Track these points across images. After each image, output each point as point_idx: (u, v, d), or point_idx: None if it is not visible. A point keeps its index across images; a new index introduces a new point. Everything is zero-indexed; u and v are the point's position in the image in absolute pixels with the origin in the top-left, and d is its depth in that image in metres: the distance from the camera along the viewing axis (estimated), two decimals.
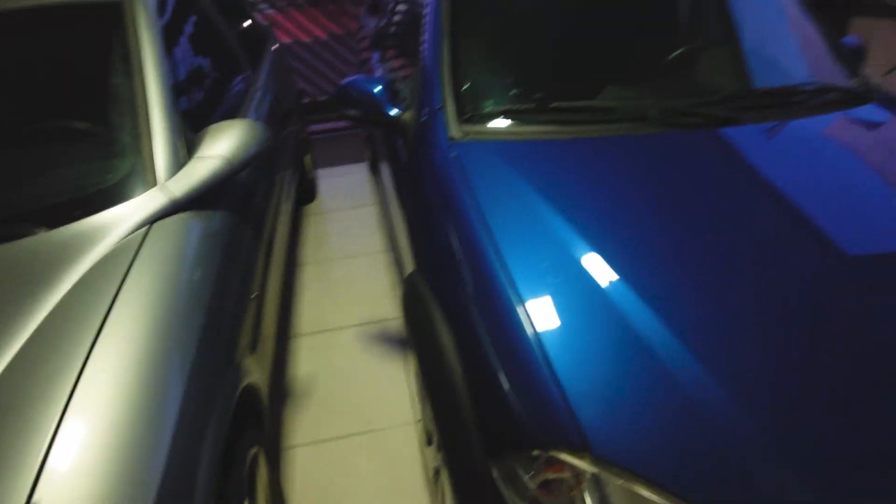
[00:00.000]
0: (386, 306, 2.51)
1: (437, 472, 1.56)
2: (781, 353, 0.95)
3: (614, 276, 1.08)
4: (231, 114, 2.10)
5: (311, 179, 3.54)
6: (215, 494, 1.04)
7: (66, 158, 1.48)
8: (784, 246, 1.15)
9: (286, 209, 2.39)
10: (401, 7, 2.59)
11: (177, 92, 1.64)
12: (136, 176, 1.42)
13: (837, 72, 1.80)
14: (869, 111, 1.63)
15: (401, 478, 1.73)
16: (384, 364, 2.19)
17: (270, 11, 4.47)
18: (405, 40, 2.44)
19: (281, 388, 2.11)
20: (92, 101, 1.56)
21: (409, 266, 1.60)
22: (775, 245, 1.15)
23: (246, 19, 3.08)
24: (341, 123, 4.77)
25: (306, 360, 2.24)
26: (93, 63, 1.62)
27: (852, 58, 1.91)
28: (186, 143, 1.56)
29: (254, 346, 1.47)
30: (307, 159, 3.42)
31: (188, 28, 2.13)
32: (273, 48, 3.27)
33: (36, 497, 0.82)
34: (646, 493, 0.82)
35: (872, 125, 1.57)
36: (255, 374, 1.42)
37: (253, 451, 1.32)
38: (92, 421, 0.92)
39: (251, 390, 1.36)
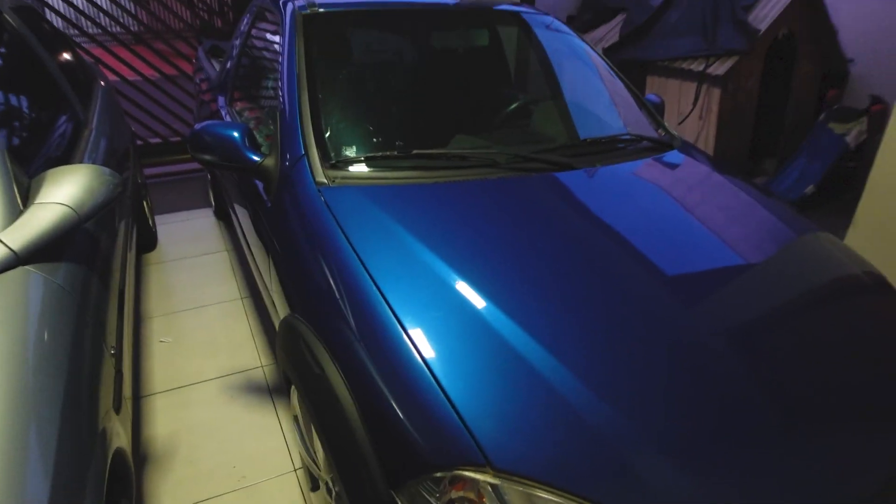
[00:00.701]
0: (247, 355, 2.41)
1: None
2: (648, 354, 1.12)
3: (485, 302, 1.19)
4: (64, 156, 1.92)
5: (152, 225, 3.30)
6: None
7: None
8: (617, 264, 1.36)
9: (131, 259, 2.21)
10: (249, 52, 2.58)
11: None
12: None
13: (646, 124, 2.15)
14: (673, 156, 1.96)
15: None
16: (253, 414, 2.09)
17: (90, 46, 4.13)
18: (255, 85, 2.42)
19: (139, 453, 1.93)
20: None
21: (282, 310, 1.59)
22: (612, 264, 1.36)
23: (69, 52, 2.84)
24: (179, 167, 4.51)
25: (164, 420, 2.07)
26: None
27: (655, 112, 2.28)
28: (21, 189, 1.41)
29: (118, 407, 1.35)
30: (146, 204, 3.19)
31: (8, 62, 1.93)
32: (102, 86, 3.04)
33: None
34: (545, 495, 0.92)
35: (676, 166, 1.90)
36: (122, 437, 1.30)
37: None
38: None
39: (120, 455, 1.25)
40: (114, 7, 4.38)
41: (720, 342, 1.17)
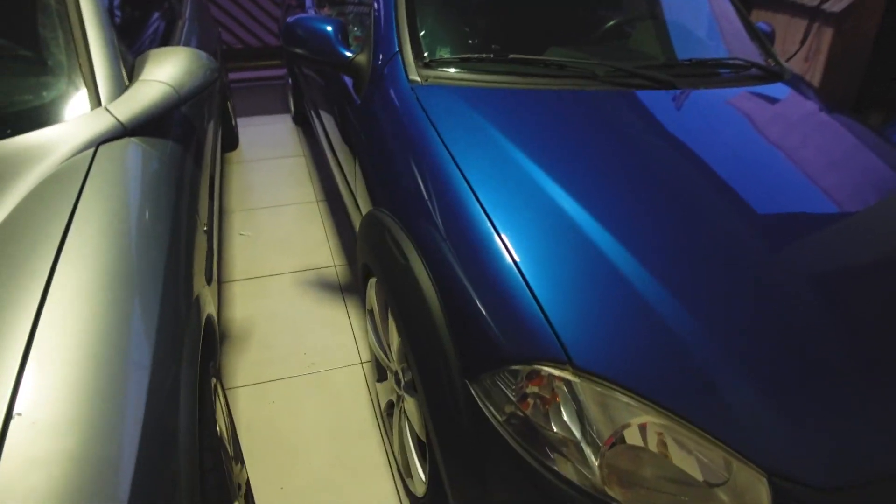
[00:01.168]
0: (321, 254, 2.49)
1: (391, 406, 1.61)
2: (733, 277, 1.08)
3: (576, 208, 1.17)
4: (162, 41, 1.97)
5: (234, 126, 3.38)
6: (196, 424, 1.02)
7: None
8: (710, 186, 1.30)
9: (217, 151, 2.29)
10: None
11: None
12: (74, 95, 1.32)
13: (755, 52, 1.99)
14: (781, 87, 1.83)
15: (348, 416, 1.76)
16: (324, 308, 2.19)
17: None
18: None
19: (220, 332, 2.06)
20: (16, 11, 1.42)
21: (365, 206, 1.61)
22: (704, 185, 1.30)
23: None
24: (260, 73, 4.56)
25: (241, 305, 2.19)
26: None
27: (766, 41, 2.11)
28: (126, 66, 1.46)
29: (209, 279, 1.43)
30: (229, 105, 3.26)
31: None
32: None
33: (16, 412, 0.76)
34: (623, 398, 0.92)
35: (784, 98, 1.77)
36: (211, 305, 1.38)
37: (213, 383, 1.30)
38: (62, 354, 0.84)
39: (210, 321, 1.33)
40: None
41: (809, 283, 1.11)
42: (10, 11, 1.41)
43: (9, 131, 1.20)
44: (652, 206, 1.21)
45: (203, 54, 1.59)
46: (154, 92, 1.40)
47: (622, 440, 0.92)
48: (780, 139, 1.53)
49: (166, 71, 1.47)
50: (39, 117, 1.25)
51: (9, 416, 0.76)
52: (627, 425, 0.92)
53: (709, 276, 1.08)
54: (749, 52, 1.98)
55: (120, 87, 1.38)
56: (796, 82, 1.90)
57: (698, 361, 0.95)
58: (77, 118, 1.26)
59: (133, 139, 1.32)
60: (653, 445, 0.91)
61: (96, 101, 1.32)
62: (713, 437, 0.89)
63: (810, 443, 0.90)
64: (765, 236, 1.19)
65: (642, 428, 0.92)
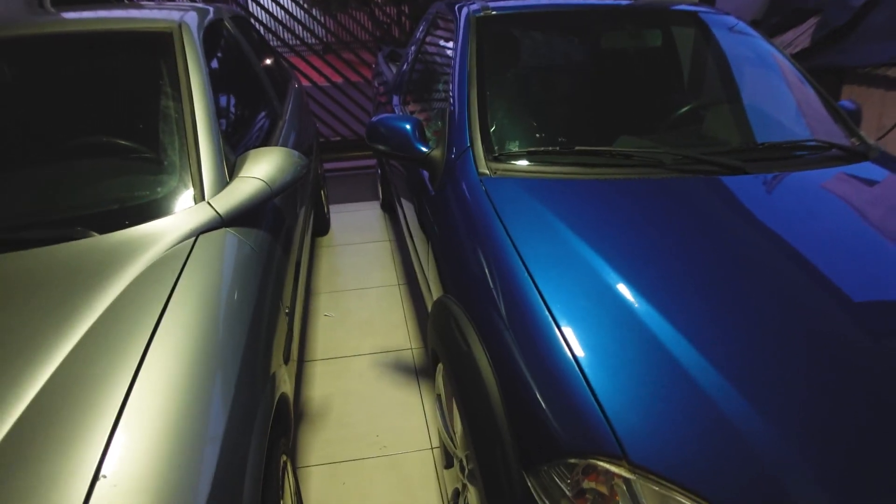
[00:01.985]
0: (400, 337, 2.56)
1: (456, 494, 1.59)
2: (800, 373, 1.02)
3: (638, 299, 1.17)
4: (262, 142, 2.20)
5: (326, 212, 3.63)
6: (259, 494, 1.07)
7: (116, 172, 1.57)
8: (785, 278, 1.24)
9: (307, 238, 2.47)
10: (423, 56, 2.75)
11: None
12: (183, 191, 1.50)
13: (837, 132, 1.94)
14: (866, 168, 1.75)
15: (417, 501, 1.76)
16: (399, 391, 2.23)
17: (286, 53, 4.66)
18: (426, 86, 2.58)
19: (296, 409, 2.14)
20: (142, 119, 1.66)
21: (436, 292, 1.67)
22: (779, 277, 1.25)
23: (271, 56, 3.23)
24: (353, 163, 4.90)
25: (320, 384, 2.28)
26: (144, 85, 1.73)
27: (849, 120, 2.05)
28: (228, 165, 1.65)
29: (286, 359, 1.52)
30: (323, 193, 3.52)
31: (226, 60, 2.25)
32: (295, 87, 3.41)
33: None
34: (682, 499, 0.88)
35: (870, 180, 1.69)
36: (287, 385, 1.46)
37: (283, 459, 1.35)
38: (147, 423, 0.93)
39: (284, 399, 1.40)
40: (308, 19, 4.89)
41: None
42: (134, 118, 1.66)
43: (126, 222, 1.39)
44: (719, 299, 1.18)
45: (295, 153, 1.77)
46: (250, 188, 1.56)
47: None
48: (859, 222, 1.46)
49: (262, 168, 1.64)
50: (153, 210, 1.44)
51: (95, 477, 0.85)
52: None
53: (785, 377, 1.02)
54: (829, 131, 1.92)
55: (221, 184, 1.56)
56: (885, 160, 1.82)
57: (765, 466, 0.90)
58: (183, 211, 1.43)
59: (229, 229, 1.47)
60: None
61: (200, 195, 1.50)
62: None
63: None
64: (849, 333, 1.12)
65: None
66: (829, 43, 3.94)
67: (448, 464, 1.70)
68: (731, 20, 2.28)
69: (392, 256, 3.31)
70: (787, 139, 1.88)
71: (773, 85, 2.10)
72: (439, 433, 1.74)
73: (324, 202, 3.54)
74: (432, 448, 1.96)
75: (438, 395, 1.68)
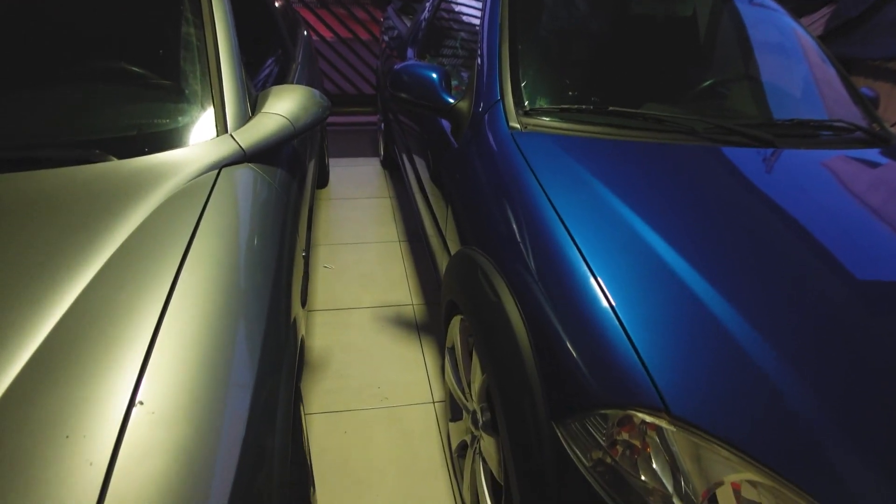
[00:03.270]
0: (401, 292, 2.55)
1: (462, 448, 1.60)
2: (840, 337, 1.03)
3: (674, 255, 1.16)
4: (278, 80, 2.13)
5: (326, 165, 3.56)
6: (289, 432, 1.06)
7: (135, 98, 1.50)
8: (812, 244, 1.26)
9: (314, 186, 2.42)
10: (446, 7, 2.67)
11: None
12: (205, 122, 1.45)
13: (858, 116, 1.94)
14: (890, 151, 1.76)
15: (418, 453, 1.76)
16: (400, 345, 2.22)
17: (297, 5, 4.53)
18: (448, 38, 2.51)
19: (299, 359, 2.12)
20: (163, 46, 1.59)
21: (454, 246, 1.65)
22: (805, 242, 1.26)
23: (282, 0, 3.12)
24: (352, 118, 4.81)
25: (321, 334, 2.26)
26: (165, 11, 1.65)
27: (870, 106, 2.05)
28: (250, 99, 1.59)
29: (304, 302, 1.50)
30: (325, 144, 3.45)
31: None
32: (304, 33, 3.31)
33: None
34: (721, 451, 0.89)
35: (889, 164, 1.70)
36: (303, 328, 1.44)
37: (301, 405, 1.34)
38: (182, 354, 0.89)
39: (302, 343, 1.38)
40: None
41: None
42: (155, 45, 1.58)
43: (146, 150, 1.33)
44: (752, 260, 1.18)
45: (317, 93, 1.71)
46: (273, 124, 1.51)
47: (714, 498, 0.88)
48: (884, 203, 1.47)
49: (285, 105, 1.59)
50: (173, 139, 1.38)
51: (132, 403, 0.82)
52: (721, 482, 0.89)
53: (812, 334, 1.04)
54: (852, 115, 1.93)
55: (244, 118, 1.50)
56: None
57: (803, 420, 0.91)
58: (205, 142, 1.38)
59: (251, 164, 1.43)
60: None
61: (223, 128, 1.44)
62: (816, 502, 0.83)
63: None
64: (871, 299, 1.14)
65: (736, 485, 0.88)
66: (841, 33, 3.94)
67: (455, 416, 1.71)
68: None
69: (393, 213, 3.27)
70: (814, 118, 1.88)
71: (801, 64, 2.09)
72: (448, 386, 1.74)
73: (325, 153, 3.48)
74: (434, 402, 1.96)
75: (451, 348, 1.67)
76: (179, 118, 1.45)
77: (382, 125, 3.81)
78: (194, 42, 1.58)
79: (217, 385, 0.90)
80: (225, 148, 1.38)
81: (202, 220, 1.17)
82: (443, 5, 2.71)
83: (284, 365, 1.12)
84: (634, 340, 1.01)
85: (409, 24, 3.35)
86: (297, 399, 1.24)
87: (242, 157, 1.41)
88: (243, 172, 1.39)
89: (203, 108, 1.47)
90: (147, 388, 0.84)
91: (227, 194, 1.29)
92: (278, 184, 1.52)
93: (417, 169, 2.36)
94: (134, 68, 1.55)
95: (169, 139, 1.39)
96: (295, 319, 1.32)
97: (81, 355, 0.85)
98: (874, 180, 1.58)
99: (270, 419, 0.99)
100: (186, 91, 1.51)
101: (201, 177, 1.30)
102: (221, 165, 1.36)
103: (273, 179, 1.50)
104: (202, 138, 1.40)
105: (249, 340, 1.03)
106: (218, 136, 1.42)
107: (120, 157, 1.31)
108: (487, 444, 1.35)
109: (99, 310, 0.92)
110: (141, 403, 0.82)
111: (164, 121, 1.44)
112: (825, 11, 4.23)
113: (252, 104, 1.60)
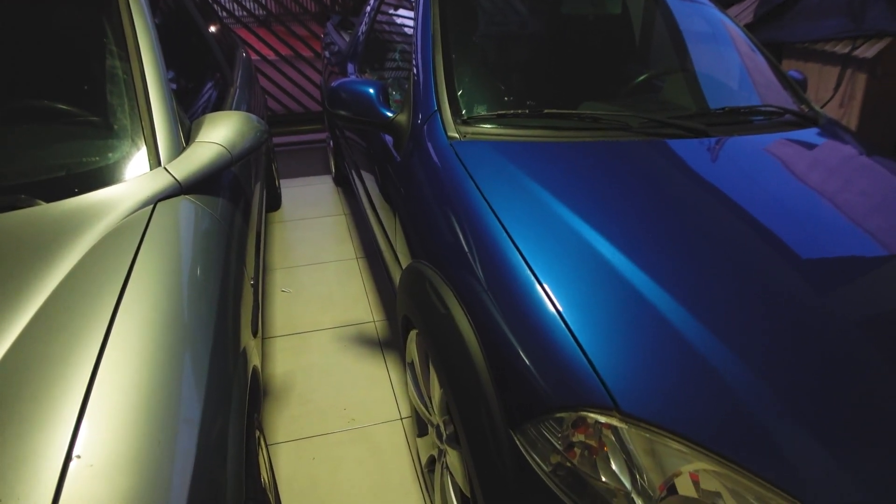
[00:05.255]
0: (361, 310, 2.52)
1: (431, 462, 1.59)
2: (780, 321, 1.06)
3: (621, 256, 1.18)
4: (215, 107, 2.09)
5: (277, 187, 3.52)
6: (242, 473, 1.03)
7: (61, 138, 1.45)
8: (748, 231, 1.29)
9: (263, 211, 2.38)
10: (381, 21, 2.67)
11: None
12: (136, 156, 1.41)
13: (788, 99, 2.01)
14: (816, 132, 1.82)
15: (389, 472, 1.74)
16: (364, 364, 2.19)
17: (236, 26, 4.47)
18: (385, 52, 2.51)
19: (261, 388, 2.08)
20: (86, 81, 1.54)
21: (405, 260, 1.64)
22: (742, 231, 1.29)
23: (216, 22, 3.07)
24: (301, 137, 4.76)
25: (282, 361, 2.22)
26: (86, 45, 1.60)
27: (798, 88, 2.13)
28: (183, 129, 1.56)
29: (255, 331, 1.47)
30: (273, 167, 3.40)
31: (172, 20, 2.12)
32: (243, 55, 3.27)
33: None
34: (672, 444, 0.90)
35: (820, 143, 1.76)
36: (256, 358, 1.41)
37: (257, 434, 1.31)
38: (119, 401, 0.86)
39: (255, 372, 1.35)
40: None
41: (856, 325, 1.08)
42: (79, 80, 1.54)
43: (76, 190, 1.29)
44: (692, 252, 1.21)
45: (254, 117, 1.69)
46: (209, 153, 1.48)
47: (674, 489, 0.89)
48: (818, 183, 1.52)
49: (220, 133, 1.56)
50: (104, 177, 1.34)
51: (68, 457, 0.78)
52: (679, 473, 0.89)
53: (755, 320, 1.06)
54: (782, 99, 1.99)
55: (178, 149, 1.47)
56: (832, 127, 1.90)
57: (748, 405, 0.93)
58: (138, 178, 1.34)
59: (188, 197, 1.39)
60: (706, 494, 0.87)
61: (156, 161, 1.41)
62: (771, 485, 0.85)
63: (871, 490, 0.85)
64: (811, 280, 1.17)
65: (695, 476, 0.89)
66: (770, 19, 4.08)
67: (421, 432, 1.69)
68: None
69: (348, 230, 3.24)
70: (745, 104, 1.93)
71: (731, 53, 2.15)
72: (412, 401, 1.72)
73: (275, 176, 3.43)
74: (402, 418, 1.94)
75: (410, 363, 1.66)
76: (109, 154, 1.41)
77: (331, 142, 3.78)
78: (120, 74, 1.54)
79: (160, 427, 0.87)
80: (159, 182, 1.35)
81: (137, 258, 1.14)
82: (378, 17, 2.71)
83: (234, 399, 1.09)
84: (582, 342, 1.01)
85: (348, 39, 3.34)
86: (251, 432, 1.21)
87: (178, 190, 1.38)
88: (180, 205, 1.35)
89: (133, 142, 1.43)
90: (84, 440, 0.81)
91: (164, 229, 1.26)
92: (219, 213, 1.49)
93: (366, 184, 2.35)
94: (58, 106, 1.50)
95: (99, 177, 1.34)
96: (245, 350, 1.29)
97: (13, 413, 0.82)
98: (804, 159, 1.63)
99: (220, 456, 0.96)
100: (115, 126, 1.46)
101: (135, 213, 1.27)
102: (156, 200, 1.32)
103: (213, 209, 1.47)
104: (134, 174, 1.37)
105: (194, 376, 1.00)
106: (151, 169, 1.39)
107: (48, 201, 1.26)
108: (452, 457, 1.34)
109: (30, 364, 0.89)
110: (78, 457, 0.79)
111: (93, 158, 1.40)
112: (752, 0, 4.39)
113: (186, 134, 1.56)
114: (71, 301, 1.00)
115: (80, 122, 1.48)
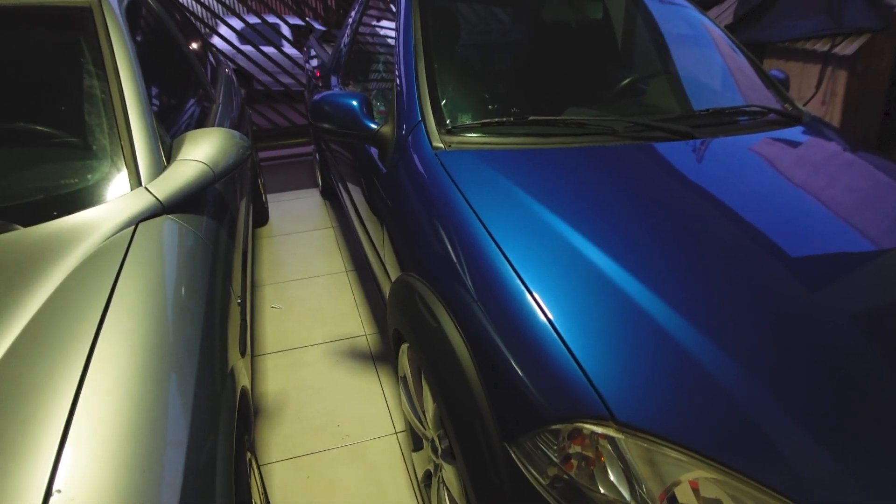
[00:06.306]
0: (352, 324, 2.50)
1: (427, 476, 1.56)
2: (773, 323, 1.05)
3: (608, 261, 1.16)
4: (197, 124, 2.07)
5: (264, 202, 3.49)
6: (231, 499, 1.00)
7: (38, 160, 1.43)
8: (739, 233, 1.28)
9: (250, 227, 2.35)
10: (363, 33, 2.66)
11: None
12: (116, 176, 1.38)
13: (771, 98, 2.02)
14: (801, 130, 1.83)
15: (385, 488, 1.71)
16: (356, 378, 2.17)
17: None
18: (368, 64, 2.50)
19: (253, 406, 2.04)
20: (63, 102, 1.51)
21: (394, 273, 1.63)
22: (733, 232, 1.28)
23: (198, 39, 3.05)
24: (287, 151, 4.74)
25: (274, 378, 2.18)
26: (64, 65, 1.57)
27: (781, 87, 2.14)
28: (164, 148, 1.54)
29: (243, 351, 1.44)
30: (260, 182, 3.38)
31: (151, 38, 2.10)
32: (226, 71, 3.25)
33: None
34: (670, 453, 0.88)
35: (805, 141, 1.77)
36: (246, 377, 1.38)
37: (248, 456, 1.28)
38: (101, 430, 0.84)
39: (245, 393, 1.32)
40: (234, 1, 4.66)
41: (851, 323, 1.07)
42: (57, 101, 1.51)
43: (55, 213, 1.26)
44: (684, 255, 1.20)
45: (236, 133, 1.67)
46: (191, 171, 1.46)
47: (674, 499, 0.87)
48: (805, 180, 1.52)
49: (202, 150, 1.53)
50: (84, 199, 1.31)
51: (48, 492, 0.76)
52: (678, 482, 0.88)
53: (748, 323, 1.05)
54: (765, 98, 2.00)
55: (159, 168, 1.45)
56: (816, 124, 1.91)
57: (746, 410, 0.91)
58: (118, 198, 1.32)
59: (170, 216, 1.37)
60: (707, 502, 0.85)
61: (137, 181, 1.38)
62: (773, 491, 0.83)
63: (872, 493, 0.84)
64: (802, 279, 1.16)
65: (694, 484, 0.87)
66: (749, 20, 4.11)
67: (417, 446, 1.67)
68: None
69: (337, 243, 3.22)
70: (727, 106, 1.94)
71: (713, 55, 2.16)
72: (405, 416, 1.69)
73: (262, 191, 3.40)
74: (396, 433, 1.92)
75: (403, 377, 1.63)
76: (89, 176, 1.38)
77: (317, 155, 3.76)
78: (98, 94, 1.52)
79: (145, 455, 0.84)
80: (140, 202, 1.33)
81: (119, 281, 1.11)
82: (360, 29, 2.70)
83: (222, 422, 1.07)
84: (574, 352, 1.00)
85: (330, 52, 3.33)
86: (241, 455, 1.18)
87: (160, 210, 1.35)
88: (163, 225, 1.33)
89: (113, 162, 1.41)
90: (65, 473, 0.78)
91: (146, 251, 1.23)
92: (204, 232, 1.47)
93: (353, 197, 2.33)
94: (35, 127, 1.47)
95: (79, 199, 1.32)
96: (233, 370, 1.26)
97: None
98: (789, 158, 1.63)
99: (209, 481, 0.93)
100: (94, 146, 1.44)
101: (116, 235, 1.24)
102: (138, 221, 1.30)
103: (197, 228, 1.45)
104: (115, 194, 1.34)
105: (180, 400, 0.98)
106: (132, 190, 1.36)
107: (26, 225, 1.23)
108: (448, 472, 1.32)
109: (9, 392, 0.86)
110: (59, 491, 0.76)
111: (72, 180, 1.37)
112: (732, 1, 4.42)
113: (167, 152, 1.54)
114: (51, 327, 0.98)
115: (57, 144, 1.45)
